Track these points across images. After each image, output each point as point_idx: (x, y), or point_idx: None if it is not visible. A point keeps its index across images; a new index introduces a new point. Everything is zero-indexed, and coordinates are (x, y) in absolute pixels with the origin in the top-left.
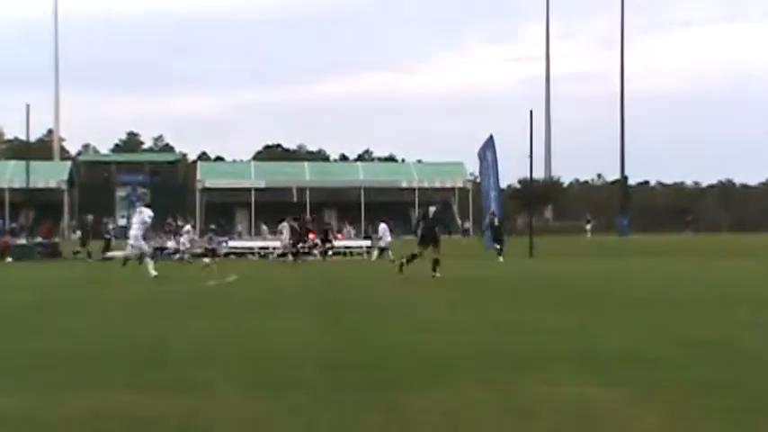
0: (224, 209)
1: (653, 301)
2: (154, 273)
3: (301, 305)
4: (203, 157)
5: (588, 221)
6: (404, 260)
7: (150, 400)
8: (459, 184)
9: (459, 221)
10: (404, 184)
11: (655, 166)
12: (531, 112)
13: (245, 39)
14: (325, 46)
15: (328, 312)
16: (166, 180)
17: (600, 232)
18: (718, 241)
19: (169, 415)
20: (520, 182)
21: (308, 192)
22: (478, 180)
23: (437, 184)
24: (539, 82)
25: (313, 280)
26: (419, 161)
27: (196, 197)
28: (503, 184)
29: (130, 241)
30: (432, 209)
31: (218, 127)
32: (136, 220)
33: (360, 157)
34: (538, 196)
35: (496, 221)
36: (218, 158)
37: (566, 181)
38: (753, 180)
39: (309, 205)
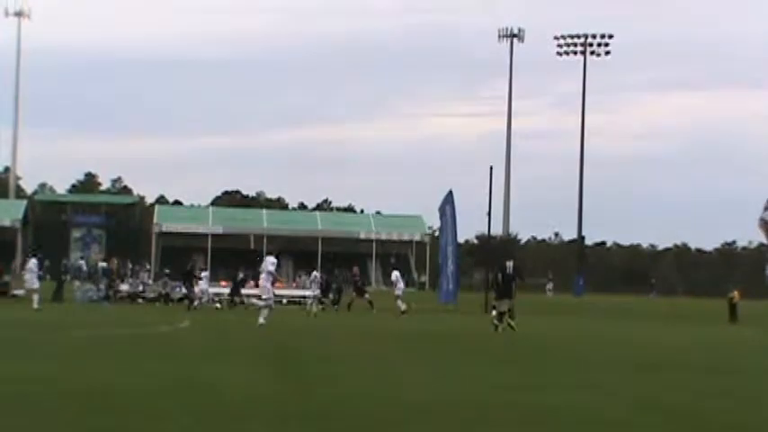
0: (180, 253)
1: (613, 364)
2: (262, 321)
3: (253, 354)
4: (161, 200)
5: (550, 280)
6: (496, 321)
7: None
8: (417, 238)
9: (416, 275)
10: (362, 235)
11: (611, 226)
12: (492, 168)
13: (207, 82)
14: (287, 94)
15: (280, 363)
16: (123, 222)
17: (556, 291)
18: (677, 304)
19: None
20: (477, 237)
21: (265, 239)
22: (436, 234)
23: (395, 237)
24: (498, 138)
25: (267, 329)
26: (378, 213)
27: (152, 240)
28: (460, 239)
29: (263, 295)
30: (509, 264)
31: (177, 171)
32: (263, 268)
33: (318, 207)
34: (495, 252)
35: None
36: (177, 202)
37: (523, 238)
38: (708, 245)
39: (266, 253)
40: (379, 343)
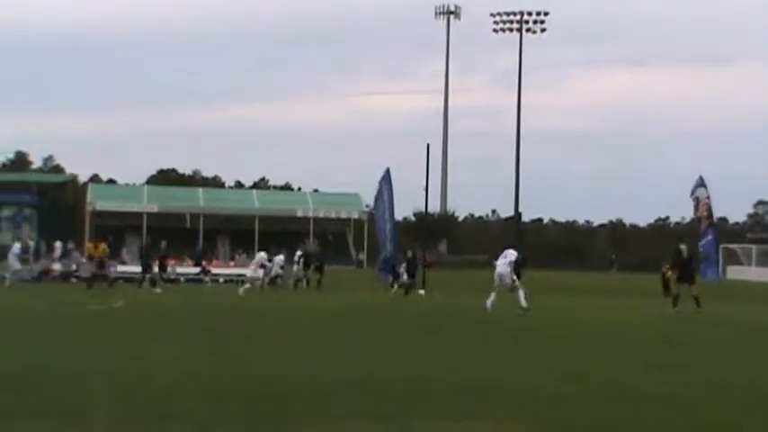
0: (114, 232)
1: (541, 337)
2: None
3: (188, 333)
4: (95, 179)
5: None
6: (674, 304)
7: (7, 425)
8: (355, 215)
9: (354, 253)
10: (299, 214)
11: (548, 203)
12: (428, 145)
13: (141, 59)
14: (225, 70)
15: (212, 342)
16: (55, 201)
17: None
18: (610, 280)
19: None
20: (415, 215)
21: (201, 218)
22: (374, 211)
23: (333, 215)
24: (437, 116)
25: (201, 307)
26: (315, 191)
27: (86, 220)
28: (398, 217)
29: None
30: (683, 247)
31: (112, 149)
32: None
33: (255, 185)
34: (432, 230)
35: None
36: (111, 181)
37: (461, 215)
38: (642, 221)
39: (203, 231)
40: (314, 320)
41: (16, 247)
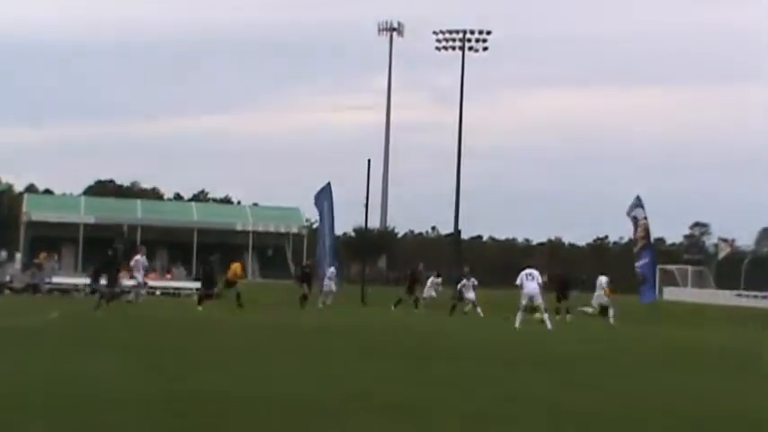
0: (50, 243)
1: (478, 357)
2: None
3: (121, 347)
4: (31, 189)
5: (438, 275)
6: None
7: None
8: (295, 230)
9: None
10: (239, 227)
11: (487, 220)
12: (369, 161)
13: (81, 69)
14: (167, 82)
15: (148, 356)
16: None
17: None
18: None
19: None
20: (355, 230)
21: (139, 230)
22: (314, 226)
23: (272, 229)
24: (379, 131)
25: (139, 321)
26: (255, 204)
27: (21, 230)
28: (338, 232)
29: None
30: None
31: (49, 159)
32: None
33: (195, 198)
34: (372, 245)
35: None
36: (47, 191)
37: (400, 231)
38: (580, 240)
39: (140, 244)
40: (251, 337)
41: None
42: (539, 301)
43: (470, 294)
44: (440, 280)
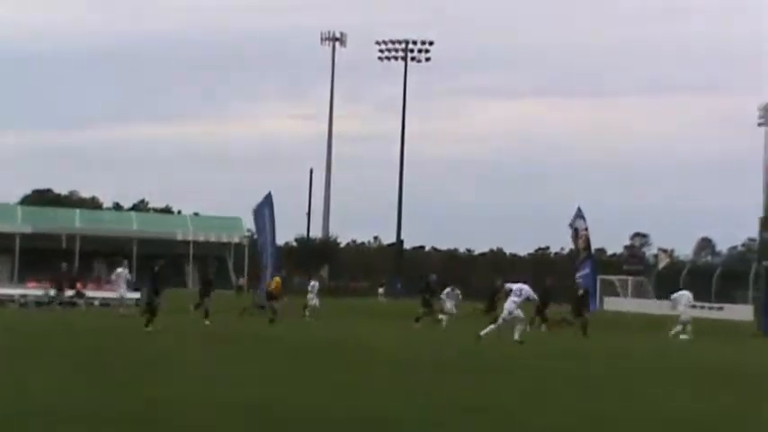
0: None
1: (423, 365)
2: None
3: (67, 358)
4: None
5: (383, 284)
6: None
7: None
8: (236, 240)
9: (234, 278)
10: (179, 237)
11: (430, 231)
12: (312, 170)
13: (20, 76)
14: (106, 90)
15: (94, 366)
16: None
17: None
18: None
19: None
20: (297, 240)
21: (78, 239)
22: (255, 236)
23: (213, 239)
24: (321, 141)
25: (76, 331)
26: (196, 214)
27: None
28: (280, 242)
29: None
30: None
31: None
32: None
33: (134, 207)
34: (314, 255)
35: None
36: None
37: (342, 241)
38: (522, 251)
39: (79, 254)
40: (197, 346)
41: None
42: (516, 315)
43: (449, 305)
44: (458, 292)
